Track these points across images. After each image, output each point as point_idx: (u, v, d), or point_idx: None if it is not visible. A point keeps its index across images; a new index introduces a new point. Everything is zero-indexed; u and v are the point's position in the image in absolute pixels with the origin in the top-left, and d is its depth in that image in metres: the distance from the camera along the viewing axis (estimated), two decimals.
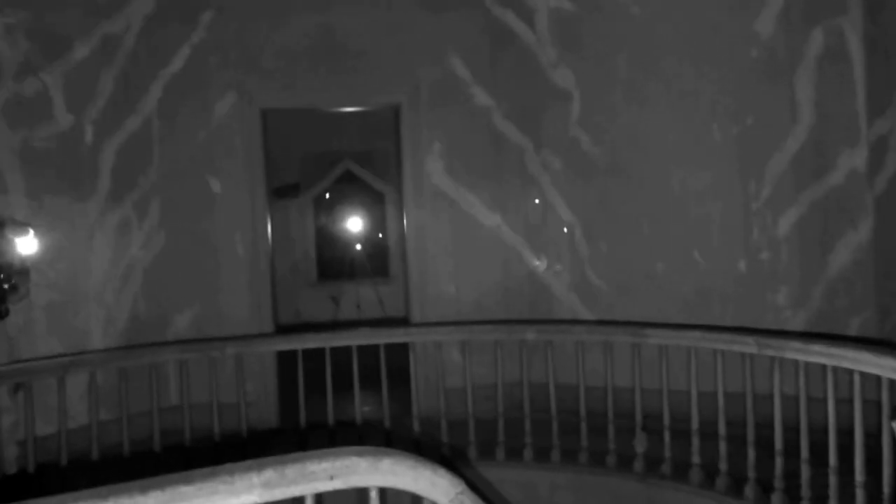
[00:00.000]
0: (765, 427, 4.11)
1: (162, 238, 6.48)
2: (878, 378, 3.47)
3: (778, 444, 4.04)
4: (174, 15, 6.43)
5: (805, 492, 3.89)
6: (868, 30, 5.42)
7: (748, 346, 4.17)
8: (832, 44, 5.57)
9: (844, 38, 5.53)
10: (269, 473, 1.87)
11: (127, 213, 6.32)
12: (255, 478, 1.86)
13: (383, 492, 2.11)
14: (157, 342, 6.01)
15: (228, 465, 1.87)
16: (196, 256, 6.54)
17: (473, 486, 2.20)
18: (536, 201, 6.24)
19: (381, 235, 13.76)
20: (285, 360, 5.81)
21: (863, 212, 5.50)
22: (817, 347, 3.83)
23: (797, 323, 5.70)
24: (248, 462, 1.90)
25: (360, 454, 2.01)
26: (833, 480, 3.73)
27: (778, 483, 4.05)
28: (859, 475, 3.57)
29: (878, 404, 3.49)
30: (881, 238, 5.41)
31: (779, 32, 5.73)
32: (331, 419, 5.26)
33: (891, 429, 3.02)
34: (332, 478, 1.97)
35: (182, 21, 6.48)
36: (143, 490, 1.71)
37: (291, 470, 1.91)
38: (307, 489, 1.93)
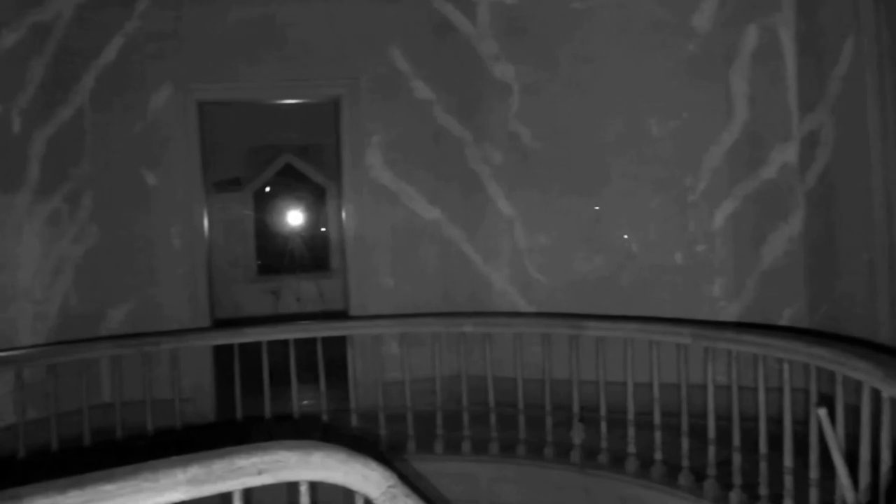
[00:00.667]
0: (699, 416, 4.18)
1: (95, 231, 6.32)
2: (806, 367, 3.56)
3: (711, 432, 4.11)
4: (108, 3, 6.27)
5: (736, 479, 3.96)
6: (800, 27, 5.52)
7: (683, 337, 4.23)
8: (766, 40, 5.67)
9: (777, 36, 5.63)
10: (195, 469, 1.83)
11: (58, 206, 6.16)
12: (180, 474, 1.81)
13: (314, 486, 2.08)
14: (90, 338, 5.86)
15: (152, 462, 1.82)
16: (131, 250, 6.39)
17: (406, 478, 2.19)
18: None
19: (323, 229, 13.67)
20: (223, 355, 5.72)
21: (794, 205, 5.61)
22: (749, 338, 3.91)
23: (731, 313, 5.81)
24: (174, 458, 1.85)
25: (289, 448, 1.97)
26: (763, 467, 3.81)
27: (711, 470, 4.12)
28: (788, 461, 3.65)
29: (807, 392, 3.58)
30: (811, 231, 5.53)
31: (715, 28, 5.82)
32: (268, 413, 5.19)
33: (817, 416, 3.09)
34: (260, 472, 1.93)
35: (116, 9, 6.32)
36: (62, 489, 1.65)
37: (219, 465, 1.87)
38: (235, 485, 1.89)
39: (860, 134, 4.86)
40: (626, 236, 6.11)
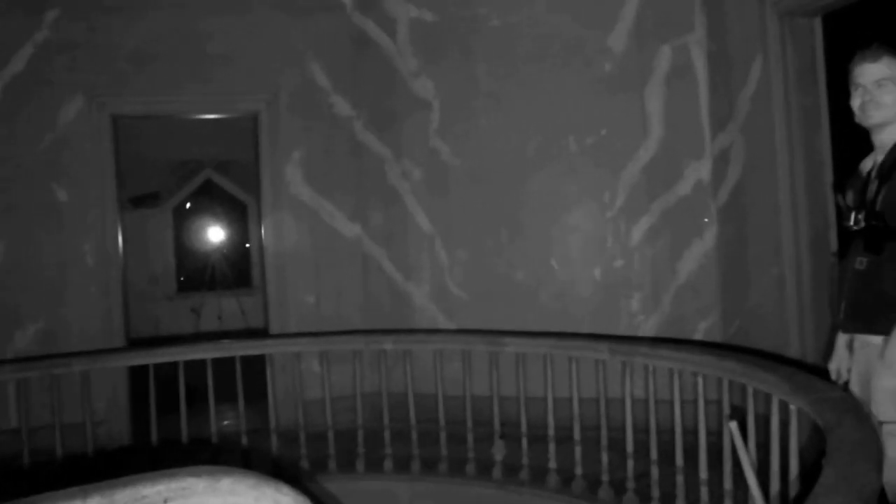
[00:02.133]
0: (618, 430, 4.23)
1: (2, 248, 6.09)
2: (719, 380, 3.63)
3: (629, 446, 4.15)
4: (16, 12, 6.09)
5: (654, 491, 4.01)
6: (711, 48, 5.68)
7: (601, 352, 4.28)
8: (679, 60, 5.81)
9: (690, 56, 5.78)
10: (95, 500, 1.75)
11: None
12: None
13: None
14: None
15: (49, 494, 1.74)
16: (40, 268, 6.17)
17: (319, 502, 2.15)
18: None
19: (247, 245, 13.47)
20: (140, 376, 5.55)
21: (708, 221, 5.74)
22: (664, 352, 3.99)
23: (649, 328, 5.90)
24: (73, 489, 1.77)
25: (196, 474, 1.90)
26: (680, 479, 3.87)
27: (630, 484, 4.17)
28: (703, 473, 3.72)
29: (720, 404, 3.65)
30: (724, 246, 5.67)
31: (630, 48, 5.94)
32: (185, 435, 5.06)
33: (728, 429, 3.15)
34: (166, 501, 1.86)
35: (25, 18, 6.12)
36: None
37: (121, 495, 1.79)
38: None
39: (768, 152, 5.02)
40: (547, 253, 6.16)
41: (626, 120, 5.96)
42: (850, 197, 2.94)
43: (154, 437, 5.02)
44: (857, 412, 2.39)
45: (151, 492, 1.83)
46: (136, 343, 6.80)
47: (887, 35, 2.94)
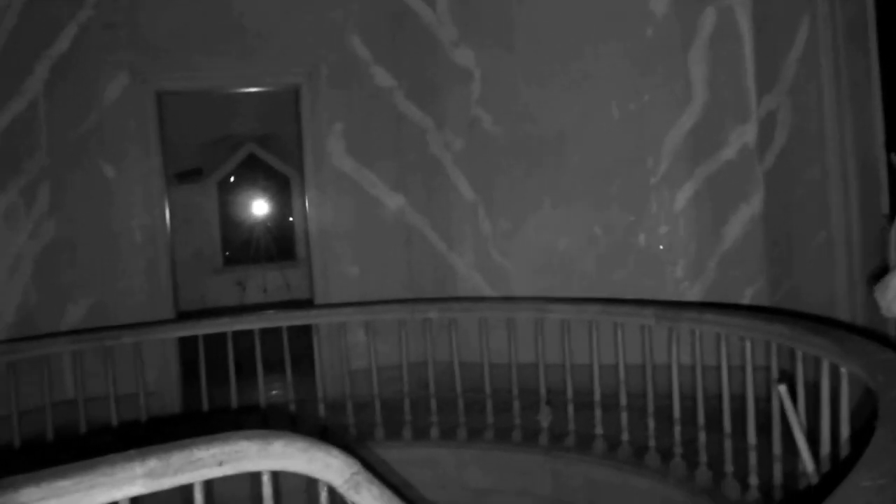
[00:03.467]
0: (664, 396, 4.22)
1: (53, 226, 6.21)
2: (767, 344, 3.60)
3: (676, 412, 4.14)
4: None
5: (702, 457, 4.01)
6: (756, 10, 5.57)
7: (646, 318, 4.26)
8: (723, 23, 5.70)
9: (734, 18, 5.67)
10: (152, 462, 1.80)
11: (13, 200, 6.04)
12: (137, 468, 1.78)
13: (276, 476, 2.06)
14: (50, 333, 5.76)
15: (109, 456, 1.79)
16: (90, 244, 6.29)
17: (369, 466, 2.18)
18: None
19: (290, 219, 13.58)
20: (189, 348, 5.66)
21: (753, 186, 5.67)
22: (710, 317, 3.96)
23: (694, 294, 5.86)
24: (131, 451, 1.82)
25: (249, 438, 1.95)
26: (728, 445, 3.85)
27: (677, 450, 4.16)
28: (751, 438, 3.70)
29: (768, 369, 3.62)
30: (770, 211, 5.59)
31: (673, 11, 5.84)
32: (234, 404, 5.16)
33: (777, 393, 3.13)
34: (221, 464, 1.91)
35: None
36: (16, 487, 1.63)
37: (177, 458, 1.84)
38: (195, 476, 1.87)
39: (816, 115, 4.92)
40: (590, 220, 6.12)
41: (669, 85, 5.88)
42: None
43: (205, 405, 5.13)
44: None
45: (206, 454, 1.88)
46: (185, 316, 6.91)
47: None
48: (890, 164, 2.97)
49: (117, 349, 5.08)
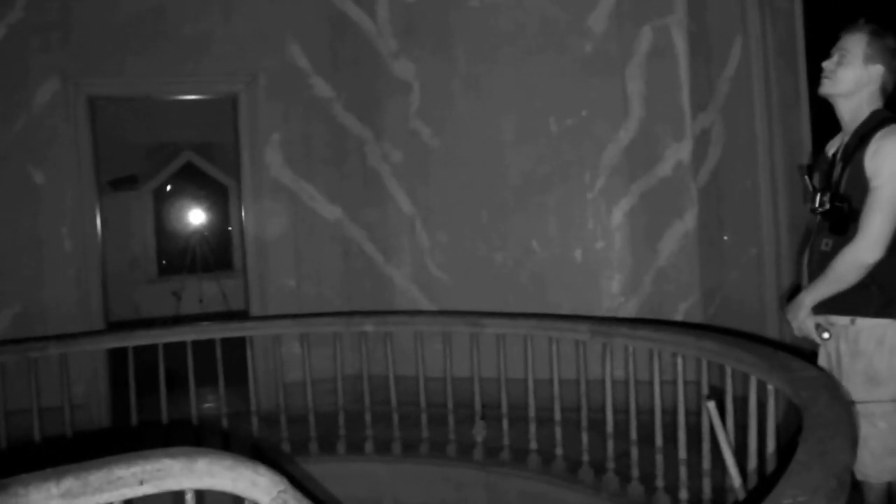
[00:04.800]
0: (598, 411, 4.24)
1: None
2: (698, 360, 3.65)
3: (609, 427, 4.16)
4: None
5: (634, 471, 4.03)
6: (692, 29, 5.67)
7: (581, 333, 4.29)
8: (660, 41, 5.80)
9: (670, 37, 5.77)
10: (69, 482, 1.74)
11: None
12: (53, 488, 1.72)
13: (201, 494, 2.01)
14: None
15: (23, 476, 1.72)
16: (16, 252, 6.10)
17: (297, 482, 2.14)
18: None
19: (229, 228, 13.40)
20: (119, 359, 5.52)
21: (688, 202, 5.76)
22: (643, 332, 3.99)
23: (630, 309, 5.92)
24: (47, 470, 1.76)
25: (172, 456, 1.90)
26: (659, 459, 3.88)
27: (610, 464, 4.18)
28: (682, 453, 3.73)
29: (699, 384, 3.66)
30: (704, 227, 5.69)
31: (611, 29, 5.92)
32: (165, 418, 5.04)
33: (706, 409, 3.17)
34: (142, 482, 1.85)
35: None
36: None
37: (96, 477, 1.78)
38: (114, 496, 1.81)
39: (748, 133, 5.03)
40: (527, 234, 6.15)
41: (607, 101, 5.94)
42: (816, 179, 2.94)
43: (134, 419, 5.00)
44: (832, 390, 2.41)
45: (126, 473, 1.82)
46: (116, 326, 6.75)
47: (867, 16, 2.93)
48: (805, 185, 3.03)
49: (42, 361, 4.93)
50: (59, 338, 5.16)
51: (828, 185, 2.82)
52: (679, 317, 5.78)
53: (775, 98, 4.93)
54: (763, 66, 4.93)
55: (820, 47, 4.75)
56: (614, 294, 5.98)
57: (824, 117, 4.58)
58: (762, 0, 4.93)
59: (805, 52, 4.99)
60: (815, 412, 2.18)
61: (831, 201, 2.76)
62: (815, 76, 4.72)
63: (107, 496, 1.79)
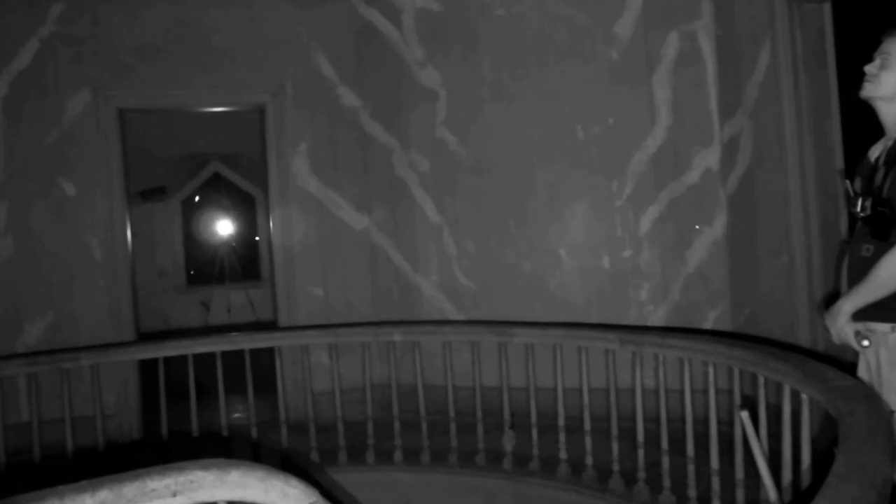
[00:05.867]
0: (628, 419, 4.21)
1: (10, 243, 6.08)
2: (729, 369, 3.61)
3: (640, 436, 4.14)
4: (20, 7, 6.07)
5: (665, 481, 4.00)
6: (719, 35, 5.63)
7: (610, 342, 4.27)
8: (687, 47, 5.76)
9: (698, 43, 5.73)
10: (104, 493, 1.75)
11: None
12: (88, 499, 1.73)
13: None
14: (5, 355, 5.63)
15: (59, 487, 1.73)
16: (48, 263, 6.17)
17: (329, 493, 2.14)
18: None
19: (256, 238, 13.48)
20: (149, 370, 5.56)
21: (717, 209, 5.71)
22: (674, 341, 3.96)
23: (658, 317, 5.88)
24: (82, 482, 1.77)
25: (205, 468, 1.90)
26: (691, 469, 3.85)
27: (640, 474, 4.15)
28: (714, 462, 3.69)
29: (731, 393, 3.62)
30: (733, 234, 5.63)
31: (637, 35, 5.89)
32: (195, 429, 5.07)
33: (739, 418, 3.13)
34: (175, 494, 1.85)
35: (29, 12, 6.11)
36: None
37: (130, 488, 1.78)
38: None
39: (778, 139, 4.98)
40: (555, 243, 6.13)
41: (634, 108, 5.92)
42: (857, 183, 2.90)
43: (164, 430, 5.03)
44: (869, 400, 2.37)
45: (160, 485, 1.83)
46: (146, 337, 6.81)
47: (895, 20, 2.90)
48: (846, 190, 2.99)
49: (74, 371, 4.98)
50: (91, 349, 5.21)
51: (869, 190, 2.78)
52: (708, 325, 5.73)
53: (805, 103, 4.88)
54: (792, 71, 4.88)
55: (850, 51, 4.72)
56: (643, 302, 5.94)
57: (856, 122, 4.54)
58: (791, 4, 4.89)
59: (835, 56, 4.94)
60: (852, 423, 2.14)
61: (873, 206, 2.72)
62: (845, 81, 4.71)
63: None
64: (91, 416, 4.97)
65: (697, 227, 5.76)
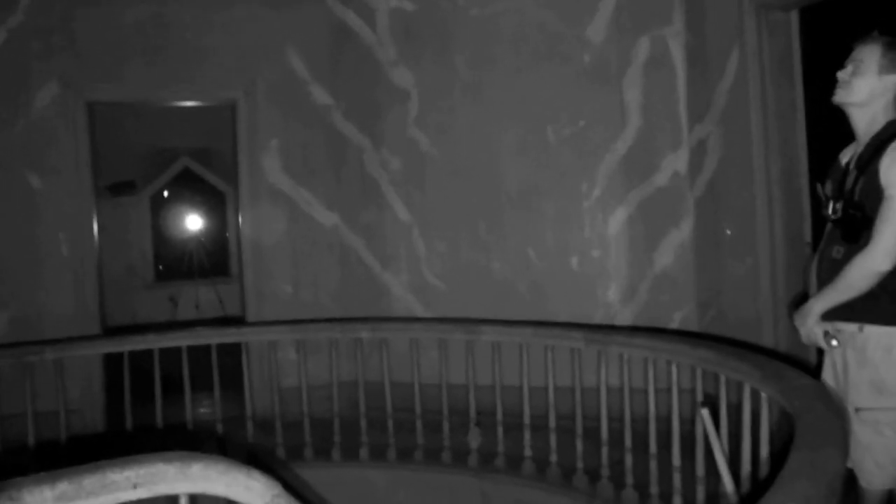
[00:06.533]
0: (593, 418, 4.25)
1: None
2: (692, 368, 3.66)
3: (604, 434, 4.19)
4: None
5: (628, 478, 4.06)
6: (689, 41, 5.70)
7: (576, 341, 4.31)
8: (658, 53, 5.82)
9: (668, 48, 5.78)
10: (63, 486, 1.74)
11: None
12: (47, 491, 1.72)
13: (195, 499, 2.01)
14: None
15: (17, 479, 1.73)
16: (13, 256, 6.11)
17: (291, 487, 2.14)
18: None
19: (227, 234, 13.41)
20: (115, 364, 5.52)
21: (684, 212, 5.78)
22: (639, 341, 4.02)
23: (626, 318, 5.93)
24: (41, 474, 1.76)
25: (166, 460, 1.90)
26: (653, 466, 3.90)
27: (604, 471, 4.21)
28: (676, 460, 3.75)
29: (694, 392, 3.68)
30: (700, 237, 5.70)
31: (609, 39, 5.94)
32: (160, 423, 5.04)
33: (700, 416, 3.18)
34: (136, 487, 1.85)
35: None
36: None
37: (90, 480, 1.78)
38: (109, 500, 1.81)
39: (744, 144, 5.06)
40: (524, 243, 6.17)
41: (604, 111, 5.96)
42: (829, 187, 2.97)
43: (129, 425, 5.00)
44: (825, 400, 2.43)
45: (120, 477, 1.82)
46: (113, 332, 6.75)
47: (862, 30, 2.96)
48: (814, 193, 3.06)
49: (38, 365, 4.93)
50: (55, 342, 5.16)
51: (841, 194, 2.85)
52: (675, 325, 5.79)
53: (772, 109, 4.96)
54: (760, 78, 4.96)
55: (816, 60, 4.82)
56: (610, 302, 6.00)
57: (820, 129, 4.63)
58: (759, 12, 4.97)
59: (802, 64, 5.03)
60: (808, 421, 2.20)
61: (844, 209, 2.79)
62: (811, 88, 4.79)
63: (101, 500, 1.79)
64: (55, 410, 4.92)
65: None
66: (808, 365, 4.34)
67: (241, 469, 1.97)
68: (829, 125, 3.09)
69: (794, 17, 5.03)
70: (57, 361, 4.93)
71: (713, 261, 5.57)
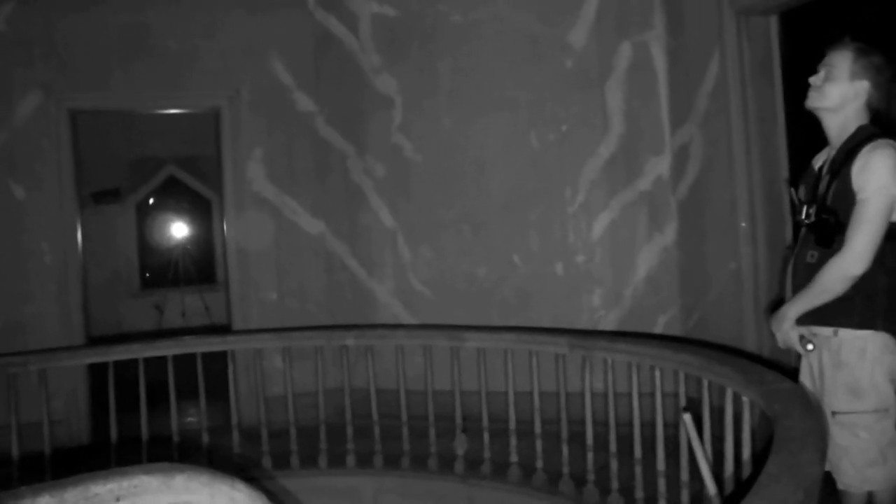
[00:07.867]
0: (578, 423, 4.26)
1: None
2: (675, 372, 3.68)
3: (589, 439, 4.19)
4: None
5: (614, 483, 4.07)
6: (670, 45, 5.74)
7: (561, 346, 4.32)
8: (639, 57, 5.86)
9: (650, 53, 5.83)
10: (45, 500, 1.73)
11: None
12: None
13: None
14: None
15: None
16: None
17: (276, 498, 2.15)
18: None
19: (214, 242, 13.38)
20: (100, 374, 5.49)
21: (668, 216, 5.81)
22: (622, 346, 4.03)
23: (610, 322, 5.96)
24: (23, 488, 1.75)
25: (149, 472, 1.89)
26: (638, 471, 3.92)
27: (590, 476, 4.21)
28: (661, 464, 3.77)
29: (677, 396, 3.70)
30: (684, 241, 5.74)
31: (591, 45, 5.97)
32: (145, 433, 5.02)
33: (683, 420, 3.20)
34: (118, 499, 1.84)
35: None
36: None
37: (72, 494, 1.77)
38: None
39: (726, 147, 5.10)
40: (509, 248, 6.18)
41: (587, 116, 6.00)
42: (802, 192, 2.99)
43: (114, 435, 4.98)
44: (804, 403, 2.44)
45: (103, 490, 1.82)
46: (98, 341, 6.72)
47: (842, 34, 2.99)
48: (791, 198, 3.08)
49: (21, 376, 4.90)
50: (39, 353, 5.12)
51: (814, 198, 2.87)
52: (658, 330, 5.82)
53: (752, 113, 5.00)
54: (740, 82, 5.00)
55: (796, 63, 4.85)
56: (595, 307, 6.02)
57: (801, 132, 4.66)
58: (739, 17, 5.01)
59: (781, 68, 5.07)
60: (787, 424, 2.22)
61: (818, 214, 2.81)
62: (791, 92, 4.83)
63: None
64: (38, 421, 4.89)
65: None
66: (790, 368, 4.37)
67: (226, 480, 1.97)
68: (809, 129, 3.11)
69: (774, 21, 5.07)
70: (41, 372, 4.89)
71: (697, 265, 5.60)
